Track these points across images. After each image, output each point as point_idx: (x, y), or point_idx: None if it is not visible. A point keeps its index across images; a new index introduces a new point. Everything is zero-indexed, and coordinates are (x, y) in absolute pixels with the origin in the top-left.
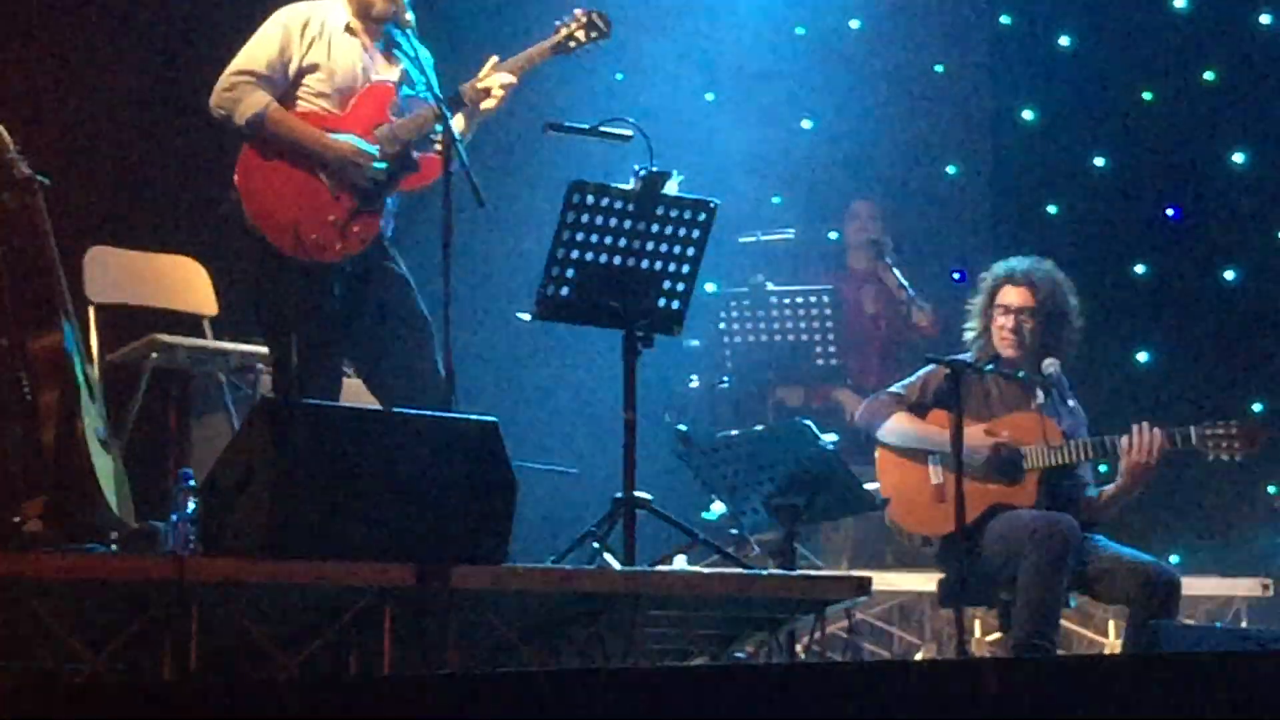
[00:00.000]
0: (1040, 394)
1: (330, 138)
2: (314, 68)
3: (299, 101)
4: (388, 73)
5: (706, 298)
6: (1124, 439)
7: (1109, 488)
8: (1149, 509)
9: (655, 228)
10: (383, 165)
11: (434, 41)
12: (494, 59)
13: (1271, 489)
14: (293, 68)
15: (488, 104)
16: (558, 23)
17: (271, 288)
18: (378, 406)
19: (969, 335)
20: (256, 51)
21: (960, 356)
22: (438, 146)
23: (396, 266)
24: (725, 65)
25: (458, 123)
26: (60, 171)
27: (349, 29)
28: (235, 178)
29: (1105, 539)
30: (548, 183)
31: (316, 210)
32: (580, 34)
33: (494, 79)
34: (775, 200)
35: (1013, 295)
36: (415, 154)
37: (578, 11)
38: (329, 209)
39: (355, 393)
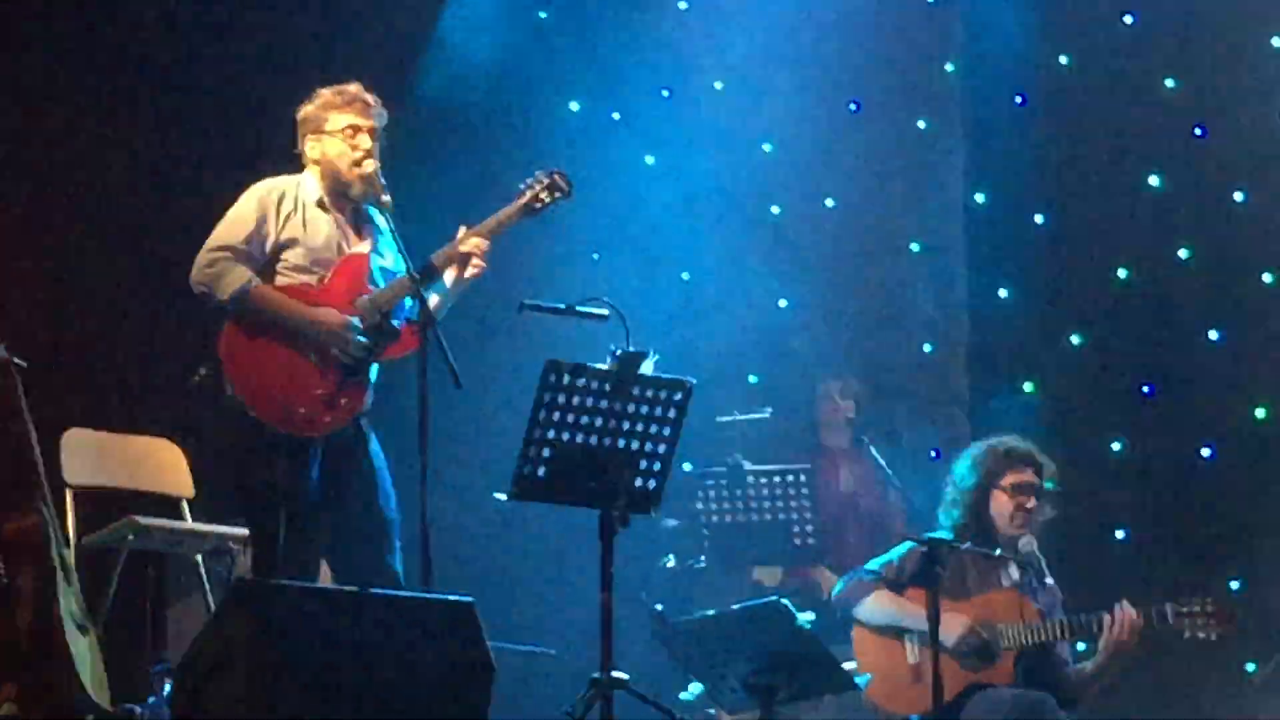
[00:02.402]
0: (1015, 571)
1: (313, 310)
2: (292, 242)
3: (278, 276)
4: (360, 245)
5: (683, 477)
6: (1105, 618)
7: (1088, 665)
8: (1127, 688)
9: (631, 407)
10: (365, 337)
11: (401, 213)
12: (463, 228)
13: (1250, 667)
14: (270, 242)
15: (469, 272)
16: (522, 185)
17: (256, 462)
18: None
19: (948, 512)
20: (234, 227)
21: (936, 534)
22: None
23: (370, 446)
24: (700, 244)
25: (431, 299)
26: (36, 354)
27: (321, 204)
28: (219, 353)
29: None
30: (523, 362)
31: (304, 384)
32: (545, 195)
33: (470, 243)
34: (752, 379)
35: (1027, 475)
36: (395, 322)
37: (539, 173)
38: (316, 383)
39: None
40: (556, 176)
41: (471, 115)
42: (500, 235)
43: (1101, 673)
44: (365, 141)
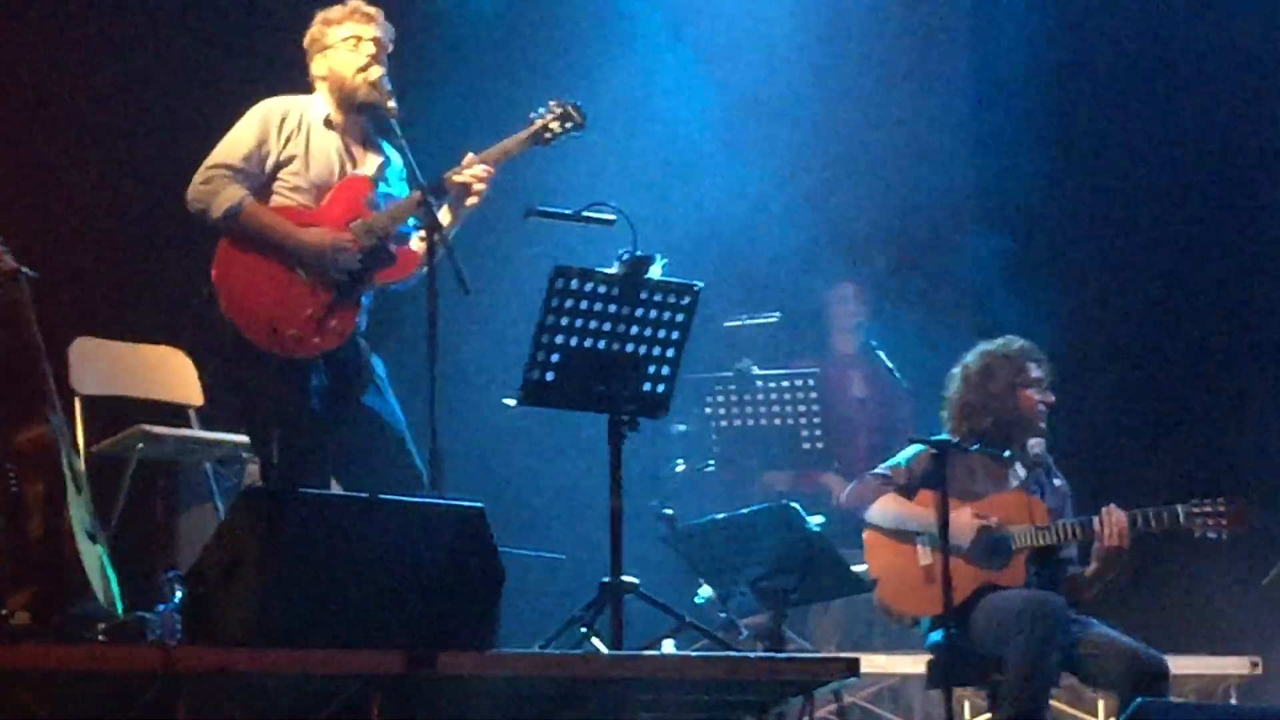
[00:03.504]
0: (1023, 471)
1: (304, 230)
2: (290, 160)
3: (274, 196)
4: (366, 166)
5: (692, 382)
6: (1094, 521)
7: (1086, 569)
8: (1136, 588)
9: (639, 312)
10: (356, 259)
11: (411, 135)
12: (470, 154)
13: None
14: (269, 161)
15: (470, 200)
16: (533, 115)
17: (249, 382)
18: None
19: (957, 410)
20: (233, 144)
21: (946, 436)
22: (416, 240)
23: (371, 363)
24: (706, 151)
25: (442, 214)
26: (45, 264)
27: (328, 122)
28: (212, 272)
29: (1096, 620)
30: (531, 268)
31: (293, 305)
32: (555, 125)
33: (472, 171)
34: (760, 284)
35: (1041, 370)
36: (392, 247)
37: (552, 103)
38: (306, 303)
39: None
40: (570, 107)
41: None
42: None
43: (1098, 576)
44: (369, 48)
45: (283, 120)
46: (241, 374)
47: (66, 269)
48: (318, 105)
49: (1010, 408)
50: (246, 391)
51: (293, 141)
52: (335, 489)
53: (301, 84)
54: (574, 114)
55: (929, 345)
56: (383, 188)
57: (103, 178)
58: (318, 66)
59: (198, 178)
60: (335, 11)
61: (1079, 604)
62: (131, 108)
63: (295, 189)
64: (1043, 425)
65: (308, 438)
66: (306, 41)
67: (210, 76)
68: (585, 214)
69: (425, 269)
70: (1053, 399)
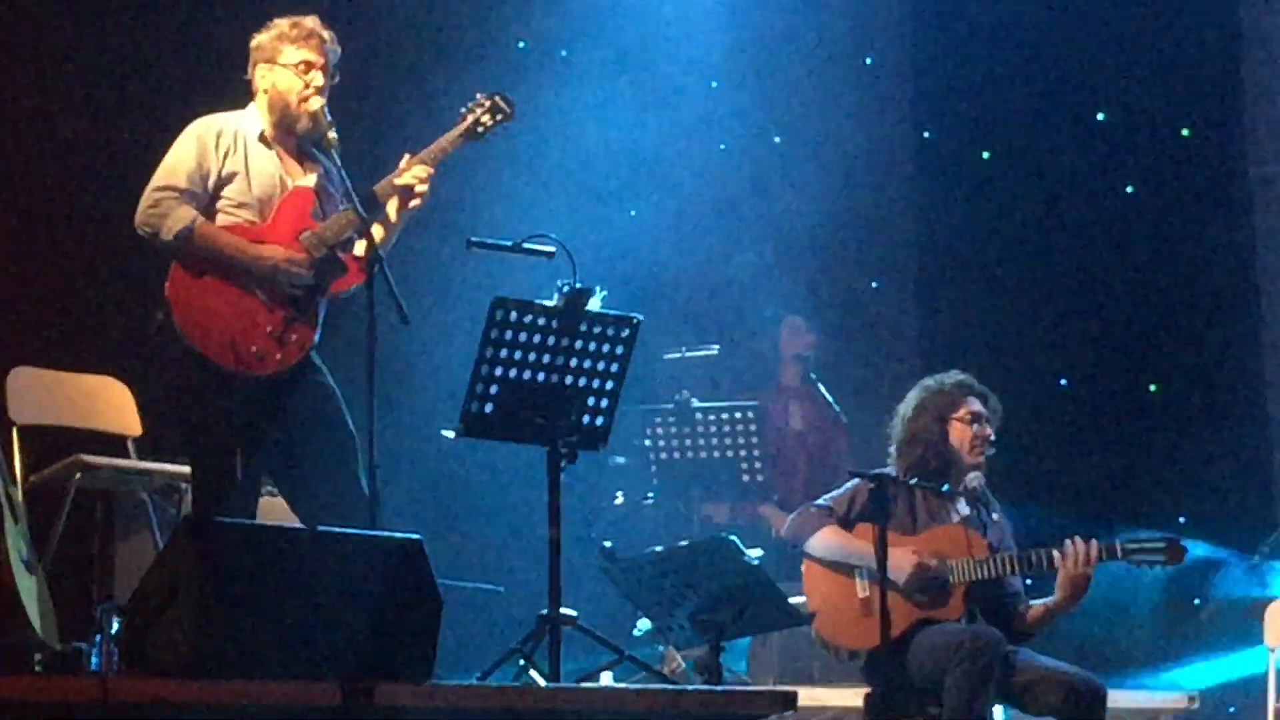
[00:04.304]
0: (964, 506)
1: (258, 248)
2: (231, 177)
3: (220, 214)
4: (304, 178)
5: (632, 414)
6: (1057, 553)
7: (1045, 601)
8: (1076, 623)
9: (579, 344)
10: (310, 271)
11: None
12: (407, 155)
13: (1197, 601)
14: (211, 179)
15: (413, 202)
16: (463, 109)
17: (204, 403)
18: (299, 525)
19: (896, 446)
20: (175, 166)
21: (883, 470)
22: (360, 245)
23: (322, 376)
24: (649, 180)
25: (377, 231)
26: None
27: (263, 138)
28: (166, 294)
29: (1030, 650)
30: (470, 299)
31: (252, 322)
32: (486, 118)
33: (412, 173)
34: (698, 316)
35: (979, 404)
36: (340, 255)
37: (480, 95)
38: (265, 320)
39: (273, 511)
40: (498, 99)
41: (419, 51)
42: (444, 162)
43: (1060, 607)
44: (317, 79)
45: (218, 137)
46: (194, 395)
47: (3, 297)
48: (251, 121)
49: (941, 440)
50: (197, 412)
51: (231, 158)
52: (279, 508)
53: (240, 105)
54: (503, 105)
55: (870, 378)
56: (323, 195)
57: (40, 206)
58: (261, 77)
59: (144, 202)
60: (293, 30)
61: (1030, 637)
62: (66, 135)
63: (240, 205)
64: (979, 459)
65: (252, 458)
66: (255, 43)
67: (146, 100)
68: (525, 245)
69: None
70: (989, 432)
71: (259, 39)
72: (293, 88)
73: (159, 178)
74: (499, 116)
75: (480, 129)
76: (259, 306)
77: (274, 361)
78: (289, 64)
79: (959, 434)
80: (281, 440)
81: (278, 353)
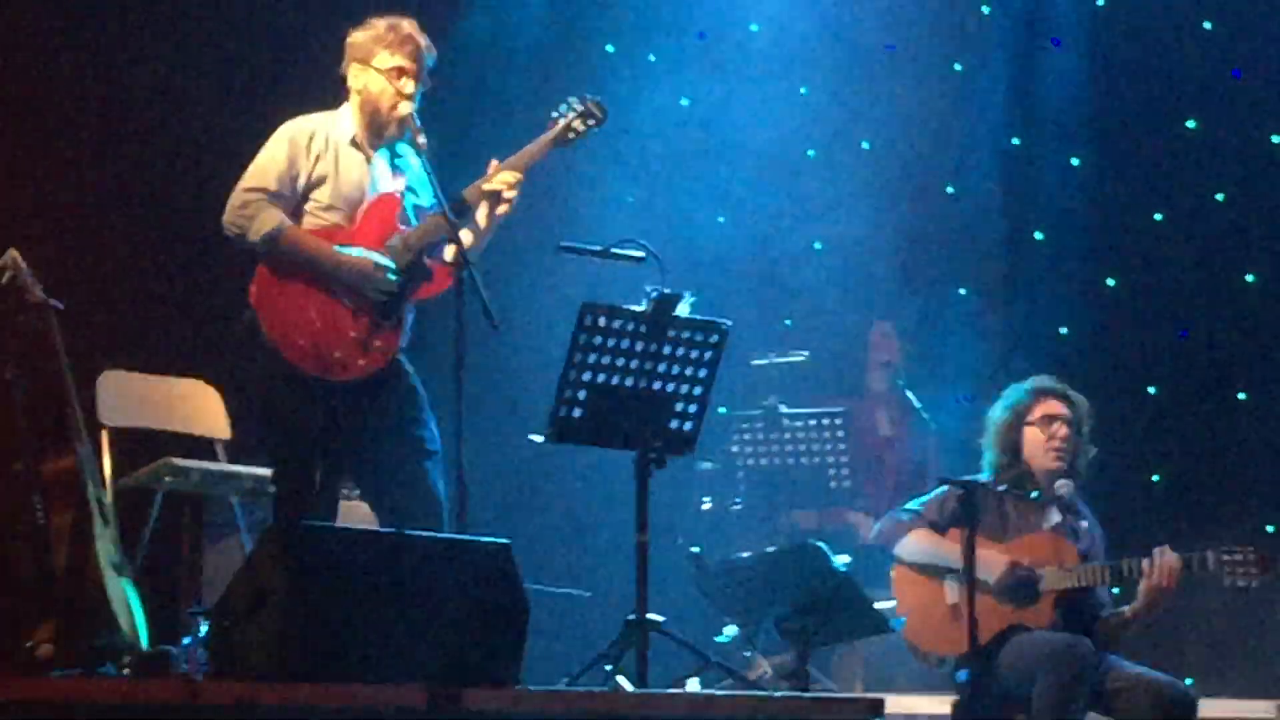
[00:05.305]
0: (1055, 514)
1: (344, 253)
2: (321, 181)
3: (307, 216)
4: (392, 184)
5: (720, 420)
6: (1144, 562)
7: (1126, 609)
8: (1164, 631)
9: (667, 349)
10: (397, 277)
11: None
12: (495, 161)
13: None
14: (300, 182)
15: (501, 208)
16: (554, 114)
17: (286, 407)
18: (387, 529)
19: (987, 455)
20: (265, 167)
21: (975, 477)
22: (449, 251)
23: (409, 379)
24: (737, 187)
25: (465, 236)
26: (73, 295)
27: (354, 142)
28: (251, 297)
29: (1120, 658)
30: (560, 303)
31: (338, 327)
32: (578, 124)
33: (500, 178)
34: (787, 322)
35: (1057, 407)
36: (427, 262)
37: (573, 100)
38: (350, 326)
39: (352, 514)
40: (590, 104)
41: (514, 58)
42: (533, 168)
43: (1138, 616)
44: (409, 86)
45: (310, 140)
46: (280, 398)
47: (94, 301)
48: (343, 124)
49: (1017, 446)
50: (283, 416)
51: (322, 161)
52: (362, 510)
53: (329, 106)
54: (595, 110)
55: (957, 386)
56: (411, 199)
57: (130, 210)
58: (355, 77)
59: (233, 202)
60: (389, 34)
61: (1114, 645)
62: (157, 139)
63: (328, 209)
64: (1055, 463)
65: (337, 464)
66: (350, 41)
67: (235, 104)
68: (614, 251)
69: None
70: (1065, 433)
71: (355, 37)
72: (385, 91)
73: (248, 179)
74: (591, 122)
75: (572, 134)
76: (344, 312)
77: (357, 368)
78: (383, 68)
79: (1032, 438)
80: (362, 444)
81: (361, 359)
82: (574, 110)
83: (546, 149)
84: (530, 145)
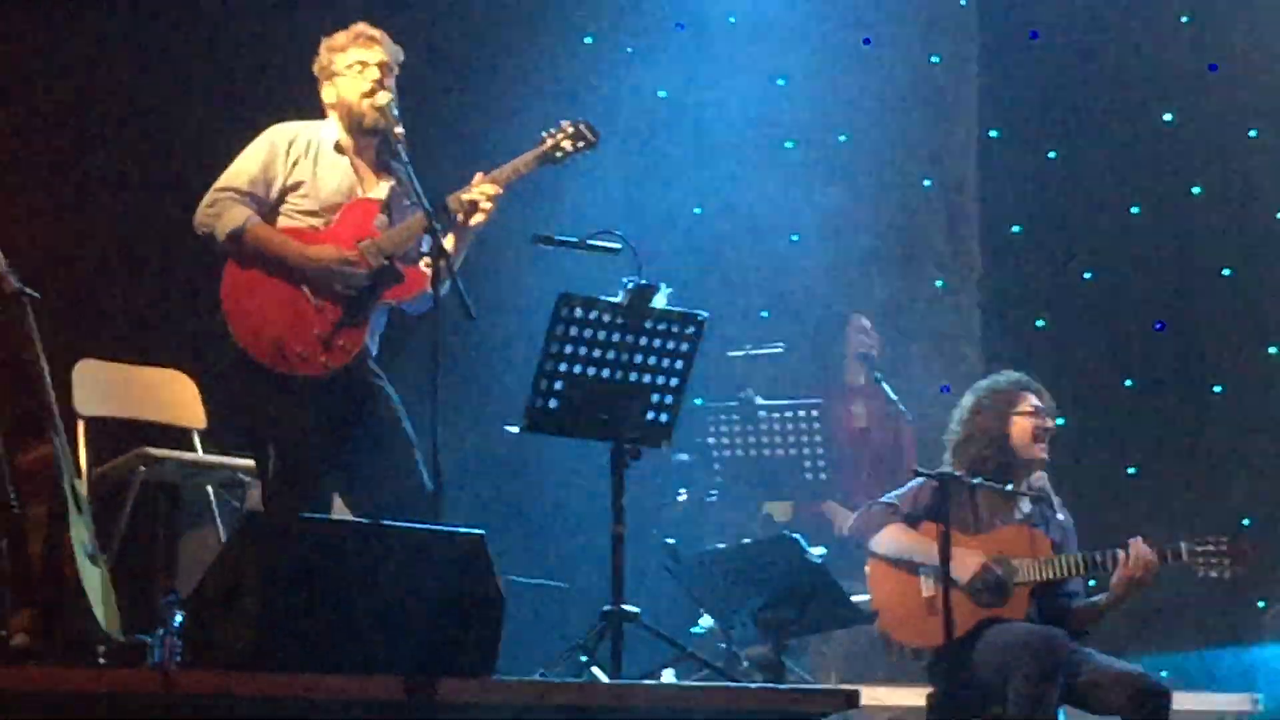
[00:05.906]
0: (1026, 505)
1: (310, 247)
2: (298, 185)
3: (282, 218)
4: (376, 190)
5: (695, 411)
6: (1119, 553)
7: (1099, 599)
8: (1137, 622)
9: (644, 340)
10: (364, 274)
11: (420, 154)
12: (479, 174)
13: (1261, 603)
14: (276, 185)
15: (476, 218)
16: (544, 133)
17: (253, 401)
18: (361, 519)
19: (954, 447)
20: (240, 168)
21: (947, 470)
22: (424, 262)
23: (380, 382)
24: (714, 179)
25: (447, 241)
26: (48, 286)
27: (338, 147)
28: (220, 293)
29: (1094, 651)
30: (536, 295)
31: (300, 323)
32: (567, 144)
33: (480, 190)
34: (764, 314)
35: (1038, 400)
36: (400, 267)
37: (564, 122)
38: (313, 322)
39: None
40: (582, 126)
41: (485, 52)
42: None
43: (1112, 607)
44: (373, 74)
45: (290, 144)
46: (245, 393)
47: (70, 291)
48: (329, 130)
49: (1003, 437)
50: (249, 410)
51: (300, 166)
52: (340, 508)
53: (309, 100)
54: (586, 133)
55: (934, 378)
56: (394, 210)
57: (107, 200)
58: (327, 94)
59: (204, 201)
60: (339, 38)
61: (1084, 635)
62: (137, 130)
63: (305, 212)
64: (1042, 455)
65: (307, 457)
66: (316, 69)
67: (219, 100)
68: (591, 242)
69: (431, 291)
70: (1050, 424)
71: (317, 62)
72: (355, 89)
73: (222, 179)
74: (580, 144)
75: (560, 154)
76: (309, 308)
77: (318, 364)
78: (344, 68)
79: (1021, 428)
80: (339, 443)
81: (322, 355)
82: (564, 131)
83: (532, 165)
84: (516, 160)
